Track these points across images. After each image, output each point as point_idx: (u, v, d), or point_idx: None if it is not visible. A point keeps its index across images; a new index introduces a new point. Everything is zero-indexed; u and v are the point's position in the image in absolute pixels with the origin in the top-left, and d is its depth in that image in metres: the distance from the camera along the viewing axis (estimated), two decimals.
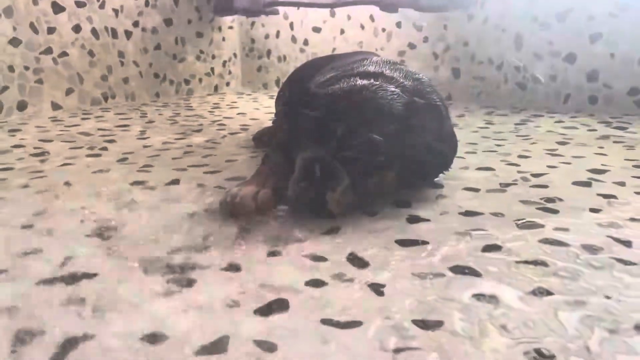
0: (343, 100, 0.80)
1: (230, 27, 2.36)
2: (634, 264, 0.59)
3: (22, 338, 0.47)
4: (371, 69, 0.92)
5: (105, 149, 1.26)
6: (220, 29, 2.31)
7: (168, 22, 2.07)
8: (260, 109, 1.89)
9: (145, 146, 1.29)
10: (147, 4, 1.98)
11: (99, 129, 1.50)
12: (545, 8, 1.72)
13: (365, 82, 0.83)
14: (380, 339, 0.45)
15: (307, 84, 1.00)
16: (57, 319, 0.50)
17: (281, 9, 2.17)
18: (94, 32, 1.82)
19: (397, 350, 0.44)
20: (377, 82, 0.83)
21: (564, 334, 0.46)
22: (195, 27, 2.19)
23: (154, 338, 0.46)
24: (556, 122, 1.54)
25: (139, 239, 0.69)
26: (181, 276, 0.58)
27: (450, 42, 1.91)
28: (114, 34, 1.89)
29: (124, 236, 0.70)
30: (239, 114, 1.80)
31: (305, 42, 2.25)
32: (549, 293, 0.53)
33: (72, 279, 0.58)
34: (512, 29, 1.79)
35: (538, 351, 0.43)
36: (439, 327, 0.47)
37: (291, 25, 2.27)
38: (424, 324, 0.47)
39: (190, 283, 0.56)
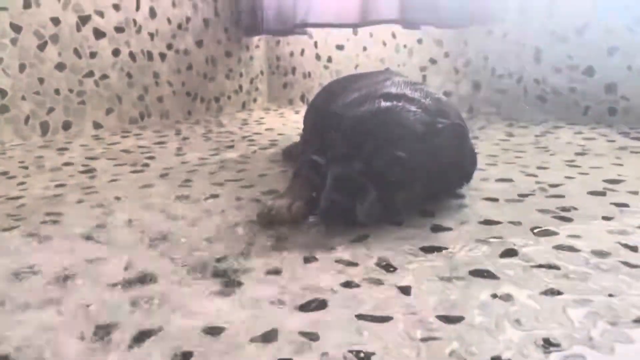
0: (369, 121, 0.87)
1: (257, 46, 2.47)
2: (638, 266, 0.65)
3: (101, 331, 0.55)
4: (393, 90, 0.98)
5: (147, 165, 1.36)
6: (247, 48, 2.42)
7: (199, 43, 2.18)
8: (287, 124, 1.98)
9: (183, 162, 1.39)
10: (179, 27, 2.10)
11: (139, 146, 1.61)
12: (564, 22, 1.77)
13: (389, 104, 0.90)
14: (408, 331, 0.52)
15: (333, 106, 1.08)
16: (129, 316, 0.58)
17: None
18: (131, 55, 1.94)
19: (423, 340, 0.51)
20: (400, 104, 0.90)
21: (570, 326, 0.52)
22: (225, 47, 2.30)
23: (213, 330, 0.54)
24: (576, 133, 1.59)
25: (189, 248, 0.77)
26: (229, 279, 0.66)
27: (470, 57, 1.97)
28: (150, 56, 2.01)
29: (175, 245, 0.79)
30: (267, 129, 1.88)
31: (329, 60, 2.34)
32: (559, 293, 0.59)
33: (137, 282, 0.66)
34: (531, 43, 1.84)
35: (546, 340, 0.49)
36: (460, 321, 0.54)
37: (315, 44, 2.36)
38: (446, 319, 0.54)
39: (238, 285, 0.64)
